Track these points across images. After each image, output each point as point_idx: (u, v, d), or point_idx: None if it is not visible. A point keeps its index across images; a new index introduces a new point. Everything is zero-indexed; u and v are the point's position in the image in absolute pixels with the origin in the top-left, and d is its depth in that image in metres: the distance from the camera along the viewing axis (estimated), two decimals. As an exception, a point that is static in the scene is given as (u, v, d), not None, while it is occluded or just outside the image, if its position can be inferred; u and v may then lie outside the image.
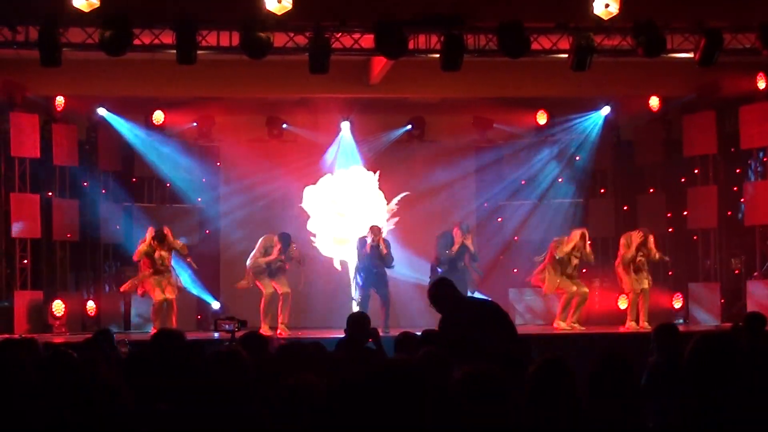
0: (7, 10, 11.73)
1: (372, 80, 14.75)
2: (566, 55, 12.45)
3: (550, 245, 14.59)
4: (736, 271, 15.70)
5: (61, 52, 11.82)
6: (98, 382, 4.40)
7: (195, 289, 15.67)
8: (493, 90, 15.37)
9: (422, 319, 12.84)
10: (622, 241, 14.48)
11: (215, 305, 16.02)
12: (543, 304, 16.14)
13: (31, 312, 14.64)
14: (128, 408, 4.35)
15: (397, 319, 14.22)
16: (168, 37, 11.97)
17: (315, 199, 16.45)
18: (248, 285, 14.29)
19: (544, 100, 16.62)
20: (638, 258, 14.24)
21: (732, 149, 15.56)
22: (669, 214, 16.33)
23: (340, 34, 12.28)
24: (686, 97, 15.81)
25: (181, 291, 14.41)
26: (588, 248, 14.48)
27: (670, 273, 16.05)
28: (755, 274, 15.04)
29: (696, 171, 15.99)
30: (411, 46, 12.27)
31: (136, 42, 11.88)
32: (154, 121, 16.25)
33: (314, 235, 16.38)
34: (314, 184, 16.47)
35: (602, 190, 17.26)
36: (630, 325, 14.12)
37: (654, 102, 16.22)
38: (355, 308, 14.01)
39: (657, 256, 14.39)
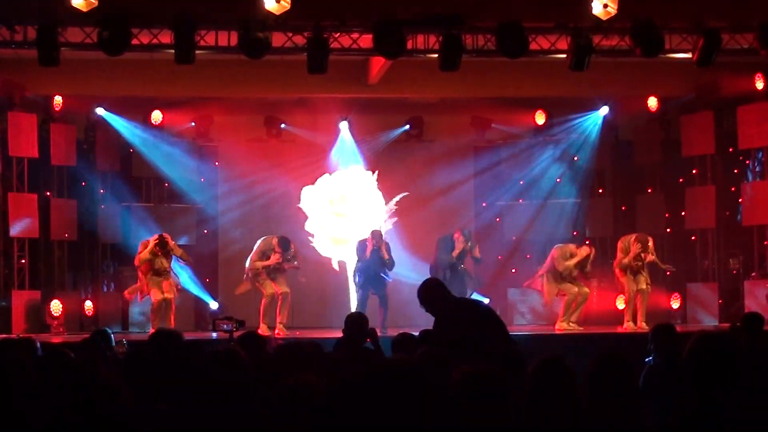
0: (6, 10, 11.73)
1: (370, 80, 14.75)
2: (565, 55, 12.46)
3: (552, 253, 14.44)
4: (734, 271, 15.71)
5: (60, 52, 11.83)
6: (98, 382, 4.40)
7: (194, 289, 15.65)
8: (491, 90, 15.37)
9: (420, 319, 12.77)
10: (620, 245, 14.35)
11: (213, 305, 15.99)
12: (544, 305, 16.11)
13: (29, 312, 14.63)
14: (128, 408, 4.35)
15: (395, 320, 14.19)
16: (166, 37, 11.97)
17: (313, 199, 16.44)
18: (247, 290, 14.26)
19: (542, 100, 16.60)
20: (635, 263, 14.17)
21: (730, 149, 15.56)
22: (667, 214, 16.33)
23: (338, 33, 12.29)
24: (685, 98, 15.82)
25: (181, 292, 14.38)
26: (589, 266, 14.41)
27: (668, 273, 16.04)
28: (753, 274, 15.06)
29: (694, 171, 15.99)
30: (410, 46, 12.28)
31: (135, 42, 11.89)
32: (152, 121, 16.24)
33: (312, 236, 16.37)
34: (312, 184, 16.47)
35: (601, 190, 17.25)
36: (628, 326, 14.09)
37: (652, 102, 16.23)
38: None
39: (658, 263, 14.33)
